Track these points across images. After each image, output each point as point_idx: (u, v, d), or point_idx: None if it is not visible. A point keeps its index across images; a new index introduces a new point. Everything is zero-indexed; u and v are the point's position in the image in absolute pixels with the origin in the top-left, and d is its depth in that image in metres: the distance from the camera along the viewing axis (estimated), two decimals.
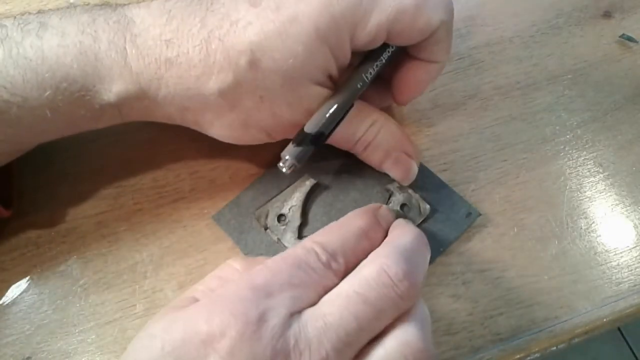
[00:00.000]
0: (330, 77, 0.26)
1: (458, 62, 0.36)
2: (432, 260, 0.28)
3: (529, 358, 0.28)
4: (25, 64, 0.24)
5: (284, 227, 0.29)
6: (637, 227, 0.31)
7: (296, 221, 0.29)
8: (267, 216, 0.29)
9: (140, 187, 0.31)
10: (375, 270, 0.20)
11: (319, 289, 0.20)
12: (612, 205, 0.31)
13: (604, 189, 0.32)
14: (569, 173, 0.32)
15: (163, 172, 0.31)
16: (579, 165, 0.32)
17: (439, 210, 0.30)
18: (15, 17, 0.25)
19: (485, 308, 0.28)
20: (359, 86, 0.26)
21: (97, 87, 0.25)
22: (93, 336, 0.27)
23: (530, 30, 0.37)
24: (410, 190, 0.30)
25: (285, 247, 0.29)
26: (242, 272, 0.22)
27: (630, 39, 0.36)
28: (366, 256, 0.22)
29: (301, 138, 0.26)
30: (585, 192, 0.32)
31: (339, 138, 0.28)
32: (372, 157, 0.29)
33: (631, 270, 0.29)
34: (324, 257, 0.21)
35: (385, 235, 0.24)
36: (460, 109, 0.34)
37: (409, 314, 0.20)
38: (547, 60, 0.36)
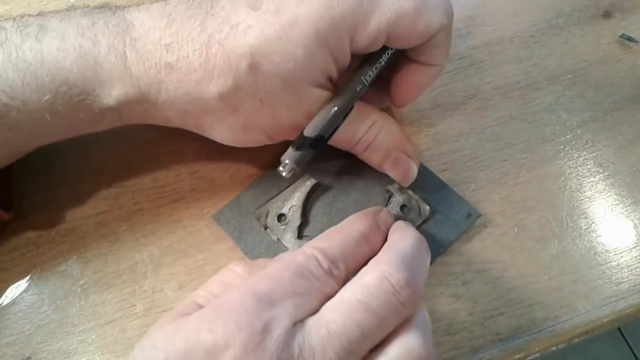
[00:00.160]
0: (330, 79, 0.26)
1: (458, 62, 0.36)
2: (431, 261, 0.28)
3: (529, 358, 0.28)
4: (24, 67, 0.24)
5: (284, 226, 0.29)
6: (637, 227, 0.31)
7: (296, 221, 0.29)
8: (267, 216, 0.30)
9: (140, 187, 0.31)
10: (377, 278, 0.20)
11: (321, 295, 0.20)
12: (612, 205, 0.31)
13: (604, 189, 0.32)
14: (569, 173, 0.32)
15: (163, 172, 0.31)
16: (579, 165, 0.32)
17: (439, 211, 0.30)
18: (14, 20, 0.25)
19: (485, 308, 0.28)
20: (358, 89, 0.26)
21: (96, 91, 0.25)
22: (93, 336, 0.27)
23: (530, 30, 0.37)
24: (410, 192, 0.30)
25: (285, 247, 0.29)
26: (244, 277, 0.22)
27: (630, 39, 0.36)
28: (366, 261, 0.22)
29: (301, 142, 0.26)
30: (585, 192, 0.32)
31: (339, 139, 0.28)
32: (372, 158, 0.29)
33: (631, 270, 0.29)
34: (325, 264, 0.21)
35: (385, 239, 0.24)
36: (460, 109, 0.34)
37: (411, 321, 0.20)
38: (547, 60, 0.36)
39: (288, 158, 0.26)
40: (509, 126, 0.33)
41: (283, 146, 0.27)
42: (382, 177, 0.30)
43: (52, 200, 0.31)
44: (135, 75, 0.24)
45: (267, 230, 0.29)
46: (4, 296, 0.28)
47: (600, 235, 0.30)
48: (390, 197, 0.30)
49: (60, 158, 0.32)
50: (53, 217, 0.30)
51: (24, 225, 0.30)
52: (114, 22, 0.25)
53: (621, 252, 0.30)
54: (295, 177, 0.29)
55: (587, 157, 0.33)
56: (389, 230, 0.24)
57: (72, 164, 0.32)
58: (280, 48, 0.23)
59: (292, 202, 0.30)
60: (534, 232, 0.30)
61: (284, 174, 0.26)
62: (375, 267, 0.21)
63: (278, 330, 0.18)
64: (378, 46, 0.26)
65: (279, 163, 0.26)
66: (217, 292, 0.21)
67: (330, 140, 0.27)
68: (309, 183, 0.30)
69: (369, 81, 0.27)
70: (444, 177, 0.31)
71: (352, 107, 0.27)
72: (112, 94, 0.25)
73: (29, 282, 0.29)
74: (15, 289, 0.28)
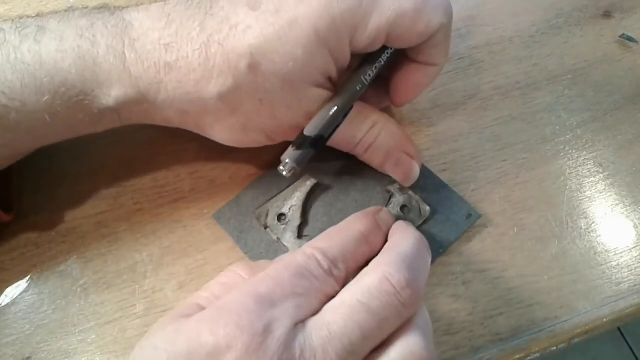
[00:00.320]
0: (329, 79, 0.26)
1: (458, 62, 0.36)
2: (431, 262, 0.28)
3: (529, 358, 0.28)
4: (23, 68, 0.24)
5: (283, 226, 0.29)
6: (637, 227, 0.31)
7: (296, 221, 0.29)
8: (267, 215, 0.30)
9: (140, 187, 0.31)
10: (378, 279, 0.20)
11: (321, 296, 0.20)
12: (612, 205, 0.31)
13: (604, 189, 0.32)
14: (569, 173, 0.32)
15: (163, 172, 0.31)
16: (579, 165, 0.32)
17: (439, 211, 0.30)
18: (13, 21, 0.25)
19: (485, 308, 0.28)
20: (358, 88, 0.26)
21: (95, 91, 0.25)
22: (93, 336, 0.27)
23: (530, 30, 0.37)
24: (410, 192, 0.30)
25: (284, 247, 0.29)
26: (245, 279, 0.22)
27: (630, 39, 0.36)
28: (366, 261, 0.22)
29: (301, 141, 0.26)
30: (585, 192, 0.32)
31: (340, 141, 0.28)
32: (373, 159, 0.29)
33: (631, 270, 0.29)
34: (325, 264, 0.21)
35: (385, 239, 0.24)
36: (460, 109, 0.34)
37: (412, 323, 0.20)
38: (547, 60, 0.36)
39: (288, 157, 0.26)
40: (509, 126, 0.33)
41: (283, 146, 0.26)
42: (382, 178, 0.30)
43: (52, 200, 0.31)
44: (134, 76, 0.24)
45: (267, 229, 0.29)
46: (4, 296, 0.28)
47: (600, 235, 0.30)
48: (390, 198, 0.30)
49: (60, 158, 0.32)
50: (53, 217, 0.30)
51: (24, 225, 0.30)
52: (113, 22, 0.25)
53: (621, 252, 0.30)
54: (296, 176, 0.29)
55: (587, 157, 0.33)
56: (389, 230, 0.24)
57: (72, 164, 0.32)
58: (279, 48, 0.23)
59: (292, 202, 0.30)
60: (534, 232, 0.30)
61: (284, 173, 0.26)
62: (376, 268, 0.21)
63: (279, 331, 0.18)
64: (378, 46, 0.26)
65: (279, 163, 0.26)
66: (218, 294, 0.21)
67: (331, 142, 0.27)
68: (309, 183, 0.30)
69: (368, 81, 0.27)
70: (444, 177, 0.31)
71: (352, 106, 0.27)
72: (111, 94, 0.25)
73: (29, 282, 0.29)
74: (15, 289, 0.28)
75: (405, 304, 0.20)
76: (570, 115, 0.34)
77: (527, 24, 0.37)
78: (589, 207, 0.31)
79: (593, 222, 0.31)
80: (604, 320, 0.28)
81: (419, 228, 0.29)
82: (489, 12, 0.38)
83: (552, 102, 0.34)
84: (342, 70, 0.26)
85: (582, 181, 0.32)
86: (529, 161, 0.32)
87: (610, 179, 0.32)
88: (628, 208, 0.31)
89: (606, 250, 0.30)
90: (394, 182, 0.30)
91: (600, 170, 0.32)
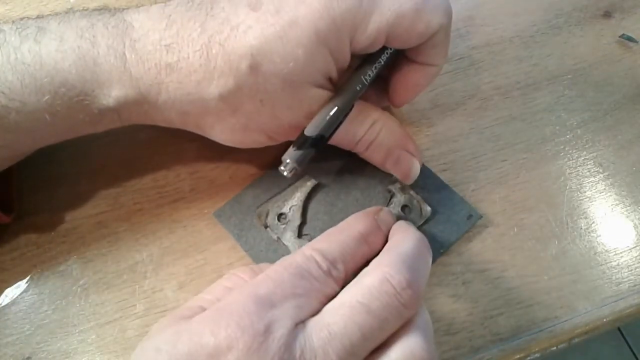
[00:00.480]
0: (330, 79, 0.26)
1: (458, 62, 0.36)
2: (432, 262, 0.28)
3: (529, 358, 0.28)
4: (23, 69, 0.24)
5: (284, 226, 0.29)
6: (637, 227, 0.31)
7: (296, 221, 0.29)
8: (267, 215, 0.30)
9: (140, 187, 0.31)
10: (378, 279, 0.20)
11: (321, 296, 0.20)
12: (612, 205, 0.31)
13: (604, 189, 0.32)
14: (569, 173, 0.32)
15: (163, 172, 0.31)
16: (579, 165, 0.32)
17: (440, 211, 0.30)
18: (13, 22, 0.25)
19: (485, 308, 0.28)
20: (358, 88, 0.26)
21: (95, 92, 0.25)
22: (93, 336, 0.27)
23: (530, 30, 0.37)
24: (412, 192, 0.30)
25: (284, 246, 0.29)
26: (246, 281, 0.22)
27: (630, 39, 0.36)
28: (366, 261, 0.22)
29: (302, 141, 0.26)
30: (585, 192, 0.32)
31: (341, 138, 0.28)
32: (374, 157, 0.29)
33: (631, 270, 0.29)
34: (324, 265, 0.21)
35: (386, 239, 0.24)
36: (460, 109, 0.34)
37: (413, 323, 0.20)
38: (547, 60, 0.36)
39: (289, 157, 0.26)
40: (509, 126, 0.33)
41: (284, 146, 0.27)
42: (384, 177, 0.30)
43: (52, 199, 0.31)
44: (134, 76, 0.24)
45: (267, 229, 0.29)
46: (4, 296, 0.28)
47: (600, 235, 0.30)
48: (391, 197, 0.30)
49: (60, 158, 0.32)
50: (53, 217, 0.30)
51: (24, 225, 0.30)
52: (113, 23, 0.25)
53: (621, 252, 0.30)
54: (297, 176, 0.29)
55: (587, 157, 0.33)
56: (389, 230, 0.24)
57: (72, 164, 0.32)
58: (280, 48, 0.23)
59: (292, 201, 0.30)
60: (534, 232, 0.30)
61: (285, 173, 0.26)
62: (377, 268, 0.21)
63: (280, 331, 0.18)
64: (378, 46, 0.26)
65: (279, 163, 0.26)
66: (221, 297, 0.21)
67: (331, 139, 0.27)
68: (309, 183, 0.30)
69: (368, 81, 0.27)
70: (444, 177, 0.31)
71: (353, 106, 0.27)
72: (112, 94, 0.25)
73: (29, 282, 0.29)
74: (15, 289, 0.28)
75: (406, 305, 0.20)
76: (570, 115, 0.34)
77: (527, 24, 0.37)
78: (589, 207, 0.31)
79: (593, 222, 0.31)
80: (604, 320, 0.28)
81: (419, 228, 0.29)
82: (489, 12, 0.38)
83: (552, 102, 0.34)
84: (342, 71, 0.26)
85: (582, 181, 0.32)
86: (529, 161, 0.32)
87: (610, 179, 0.32)
88: (628, 208, 0.31)
89: (606, 250, 0.30)
90: (395, 181, 0.30)
91: (600, 170, 0.32)
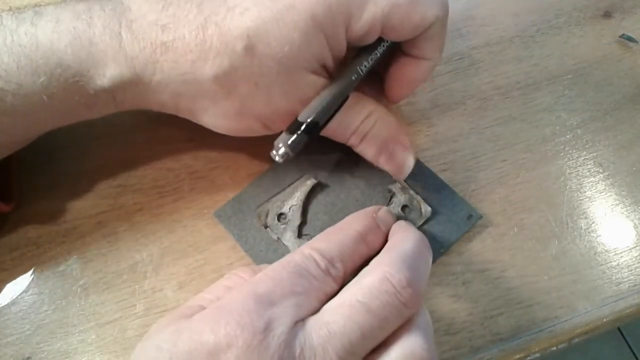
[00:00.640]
0: (325, 67, 0.26)
1: (458, 62, 0.36)
2: (432, 262, 0.28)
3: (529, 358, 0.28)
4: (19, 51, 0.24)
5: (283, 226, 0.29)
6: (637, 227, 0.31)
7: (296, 220, 0.29)
8: (267, 215, 0.30)
9: (140, 187, 0.31)
10: (378, 279, 0.20)
11: (320, 295, 0.20)
12: (612, 205, 0.31)
13: (604, 189, 0.32)
14: (569, 173, 0.32)
15: (163, 172, 0.31)
16: (579, 165, 0.32)
17: (440, 211, 0.30)
18: (10, 8, 0.25)
19: (485, 308, 0.28)
20: (353, 78, 0.26)
21: (91, 72, 0.25)
22: (93, 336, 0.27)
23: (530, 30, 0.37)
24: (412, 192, 0.30)
25: (284, 246, 0.29)
26: (246, 280, 0.22)
27: (630, 39, 0.36)
28: (365, 260, 0.22)
29: (295, 126, 0.25)
30: (585, 192, 0.32)
31: (335, 129, 0.27)
32: (368, 150, 0.28)
33: (631, 270, 0.29)
34: (322, 264, 0.21)
35: (385, 238, 0.24)
36: (460, 109, 0.34)
37: (413, 323, 0.20)
38: (547, 60, 0.36)
39: (281, 142, 0.25)
40: (509, 126, 0.33)
41: None
42: (384, 177, 0.30)
43: (52, 199, 0.31)
44: (129, 55, 0.24)
45: (267, 229, 0.29)
46: (4, 296, 0.28)
47: (600, 235, 0.30)
48: (391, 197, 0.30)
49: (60, 157, 0.32)
50: (53, 216, 0.30)
51: (24, 225, 0.30)
52: (111, 6, 0.25)
53: (621, 252, 0.30)
54: (297, 174, 0.29)
55: (587, 157, 0.33)
56: (389, 229, 0.24)
57: (72, 163, 0.32)
58: (276, 31, 0.23)
59: (292, 201, 0.30)
60: (534, 232, 0.30)
61: (276, 158, 0.26)
62: (377, 267, 0.21)
63: (280, 329, 0.18)
64: (374, 37, 0.25)
65: (271, 151, 0.26)
66: (221, 296, 0.22)
67: (326, 131, 0.27)
68: (309, 183, 0.30)
69: (364, 71, 0.27)
70: (444, 177, 0.31)
71: (348, 96, 0.26)
72: (106, 74, 0.25)
73: (28, 283, 0.29)
74: (15, 289, 0.28)
75: (406, 304, 0.20)
76: (570, 115, 0.34)
77: (527, 24, 0.37)
78: (589, 207, 0.31)
79: (593, 222, 0.31)
80: (604, 320, 0.28)
81: (419, 228, 0.29)
82: (489, 12, 0.38)
83: (552, 102, 0.34)
84: (338, 60, 0.26)
85: (582, 181, 0.32)
86: (529, 161, 0.32)
87: (610, 179, 0.32)
88: (628, 208, 0.31)
89: (606, 250, 0.30)
90: (395, 181, 0.30)
91: (600, 170, 0.32)
